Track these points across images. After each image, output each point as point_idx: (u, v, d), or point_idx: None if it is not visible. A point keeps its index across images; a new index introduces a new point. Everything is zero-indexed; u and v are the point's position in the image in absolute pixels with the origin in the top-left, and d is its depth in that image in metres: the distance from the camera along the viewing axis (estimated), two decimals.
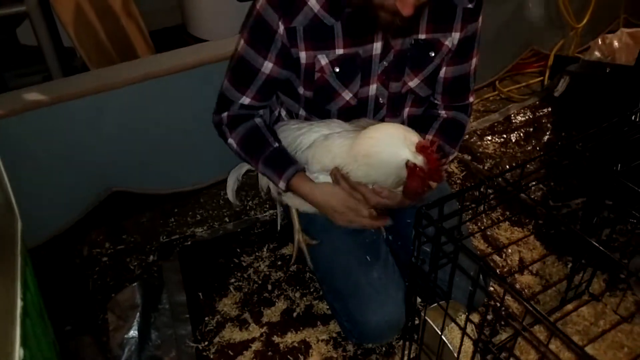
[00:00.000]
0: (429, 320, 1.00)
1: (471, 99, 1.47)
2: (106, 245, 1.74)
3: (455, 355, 0.94)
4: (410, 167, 1.15)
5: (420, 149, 1.14)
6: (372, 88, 1.33)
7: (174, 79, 1.67)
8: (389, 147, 1.16)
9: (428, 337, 1.02)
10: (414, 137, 1.15)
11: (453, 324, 0.96)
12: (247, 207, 1.87)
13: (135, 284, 1.53)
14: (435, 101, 1.45)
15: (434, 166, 1.14)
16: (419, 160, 1.15)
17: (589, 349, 1.40)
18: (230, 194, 1.59)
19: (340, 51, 1.25)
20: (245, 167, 1.53)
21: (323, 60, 1.25)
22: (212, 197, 1.92)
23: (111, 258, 1.70)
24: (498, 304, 0.76)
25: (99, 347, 1.35)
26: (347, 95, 1.32)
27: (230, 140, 1.37)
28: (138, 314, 1.46)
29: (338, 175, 1.26)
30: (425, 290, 0.96)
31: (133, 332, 1.43)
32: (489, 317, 0.78)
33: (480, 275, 0.80)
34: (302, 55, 1.25)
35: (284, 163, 1.32)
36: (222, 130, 1.39)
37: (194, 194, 1.92)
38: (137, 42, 2.30)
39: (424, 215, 0.85)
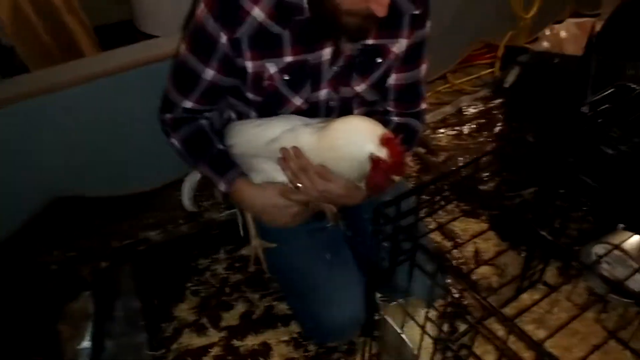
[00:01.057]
0: (388, 318, 0.99)
1: (423, 106, 1.46)
2: (55, 253, 1.66)
3: (415, 352, 0.93)
4: (374, 160, 1.14)
5: (384, 141, 1.13)
6: (323, 93, 1.31)
7: (122, 77, 1.61)
8: (354, 140, 1.14)
9: (388, 335, 1.02)
10: (379, 130, 1.14)
11: (412, 321, 0.96)
12: (202, 209, 1.82)
13: (88, 292, 1.47)
14: (388, 108, 1.44)
15: (398, 159, 1.14)
16: (382, 153, 1.14)
17: (542, 335, 1.43)
18: (186, 202, 1.54)
19: (289, 59, 1.22)
20: (199, 174, 1.48)
21: (272, 68, 1.22)
22: (165, 199, 1.86)
23: (61, 266, 1.63)
24: (455, 301, 0.75)
25: None
26: (297, 101, 1.29)
27: (173, 140, 1.34)
28: (91, 323, 1.40)
29: (290, 152, 1.23)
30: (385, 288, 0.96)
31: (86, 343, 1.37)
32: (447, 312, 0.78)
33: (439, 272, 0.80)
34: (249, 64, 1.21)
35: (227, 165, 1.30)
36: (165, 130, 1.36)
37: (147, 197, 1.86)
38: (81, 40, 2.21)
39: (381, 214, 0.84)
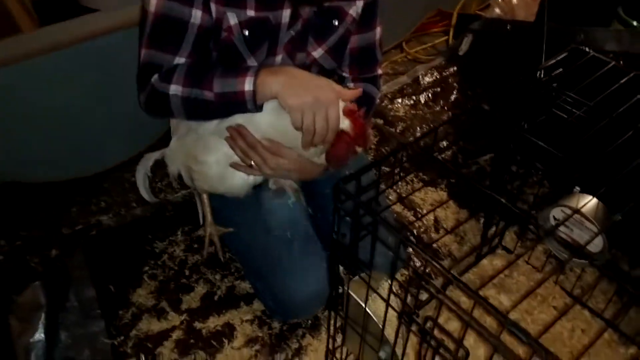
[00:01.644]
0: (352, 293, 0.98)
1: (379, 71, 1.45)
2: (1, 243, 1.57)
3: (381, 326, 0.92)
4: (336, 133, 1.12)
5: (347, 112, 1.11)
6: (278, 58, 1.26)
7: (62, 55, 1.52)
8: None
9: (352, 310, 1.00)
10: (340, 103, 1.11)
11: (376, 295, 0.95)
12: (156, 190, 1.75)
13: (37, 282, 1.40)
14: (344, 74, 1.41)
15: (361, 131, 1.12)
16: (345, 124, 1.11)
17: (504, 300, 1.46)
18: (143, 191, 1.45)
19: (251, 13, 1.16)
20: (153, 158, 1.41)
21: (232, 19, 1.15)
22: (116, 181, 1.78)
23: (8, 257, 1.54)
24: (417, 271, 0.74)
25: None
26: (252, 64, 1.24)
27: (173, 89, 1.14)
28: (43, 314, 1.34)
29: (235, 133, 1.19)
30: (347, 263, 0.94)
31: (39, 335, 1.31)
32: (410, 284, 0.77)
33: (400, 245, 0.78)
34: (213, 8, 1.14)
35: (242, 68, 1.15)
36: (158, 93, 1.17)
37: (96, 180, 1.77)
38: (17, 14, 2.07)
39: (341, 190, 0.81)
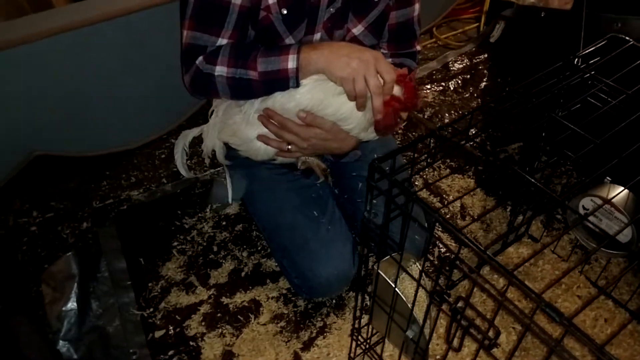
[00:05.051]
0: (381, 273, 0.99)
1: (418, 47, 1.45)
2: (34, 214, 1.62)
3: (409, 306, 0.94)
4: (386, 99, 1.13)
5: (399, 79, 1.12)
6: (317, 36, 1.27)
7: (96, 29, 1.54)
8: None
9: (381, 290, 1.02)
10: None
11: (404, 275, 0.96)
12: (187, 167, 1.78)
13: (70, 253, 1.44)
14: (382, 50, 1.42)
15: (412, 95, 1.13)
16: (396, 90, 1.12)
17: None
18: (181, 167, 1.47)
19: None
20: (191, 135, 1.42)
21: None
22: (146, 157, 1.81)
23: (40, 227, 1.59)
24: (452, 255, 0.75)
25: (35, 326, 1.27)
26: (289, 42, 1.25)
27: (219, 70, 1.16)
28: (75, 284, 1.38)
29: (264, 119, 1.21)
30: (378, 244, 0.95)
31: (72, 304, 1.36)
32: (443, 264, 0.78)
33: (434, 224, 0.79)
34: None
35: (284, 46, 1.16)
36: (204, 75, 1.18)
37: (127, 155, 1.81)
38: None
39: (376, 169, 0.82)
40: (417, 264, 0.99)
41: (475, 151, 1.88)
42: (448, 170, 1.82)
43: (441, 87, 2.19)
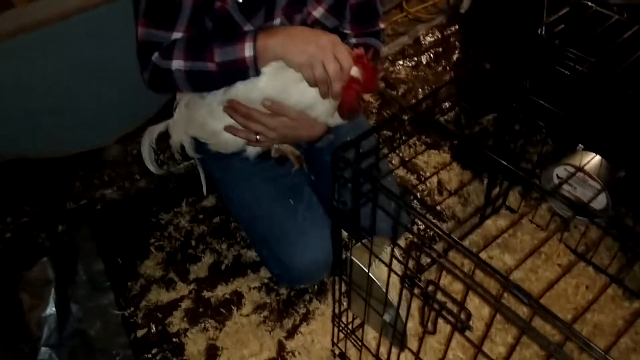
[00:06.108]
0: (354, 259, 0.98)
1: (382, 25, 1.42)
2: (7, 220, 1.59)
3: (384, 290, 0.93)
4: (345, 82, 1.11)
5: (354, 58, 1.10)
6: (276, 22, 1.24)
7: (57, 28, 1.49)
8: None
9: (356, 275, 1.01)
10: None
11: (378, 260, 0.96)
12: (159, 162, 1.75)
13: (45, 258, 1.42)
14: (345, 31, 1.39)
15: (371, 75, 1.11)
16: (354, 71, 1.10)
17: (508, 259, 1.47)
18: (149, 164, 1.44)
19: None
20: (157, 130, 1.40)
21: None
22: (118, 154, 1.77)
23: (15, 233, 1.56)
24: (417, 237, 0.74)
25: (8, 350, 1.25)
26: (249, 30, 1.22)
27: (175, 64, 1.13)
28: (53, 289, 1.36)
29: (229, 110, 1.19)
30: (349, 230, 0.94)
31: (50, 309, 1.34)
32: (411, 249, 0.77)
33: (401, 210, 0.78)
34: None
35: (240, 35, 1.12)
36: (161, 70, 1.16)
37: (98, 153, 1.77)
38: None
39: (340, 158, 0.81)
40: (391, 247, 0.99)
41: (449, 126, 1.88)
42: (424, 146, 1.81)
43: (414, 63, 2.17)
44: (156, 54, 1.15)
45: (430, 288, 0.78)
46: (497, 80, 1.06)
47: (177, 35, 1.15)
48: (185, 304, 1.40)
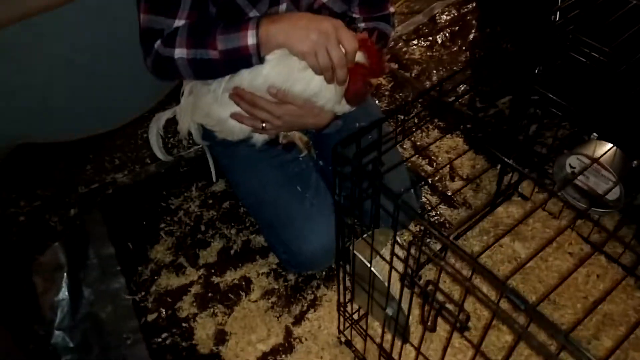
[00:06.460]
0: (357, 253, 0.98)
1: (391, 9, 1.39)
2: (21, 204, 1.61)
3: (386, 284, 0.93)
4: (350, 67, 1.09)
5: (359, 43, 1.07)
6: (282, 7, 1.22)
7: (67, 11, 1.48)
8: None
9: (359, 268, 1.01)
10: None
11: (383, 252, 0.95)
12: (169, 145, 1.76)
13: (57, 243, 1.44)
14: (354, 15, 1.36)
15: (376, 60, 1.09)
16: (358, 56, 1.08)
17: (518, 247, 1.45)
18: (157, 151, 1.43)
19: None
20: (164, 117, 1.39)
21: None
22: (128, 138, 1.79)
23: (29, 217, 1.59)
24: (416, 236, 0.73)
25: (13, 341, 1.28)
26: (254, 16, 1.20)
27: (178, 52, 1.12)
28: (65, 274, 1.39)
29: (235, 98, 1.18)
30: (350, 226, 0.93)
31: (63, 294, 1.37)
32: (411, 248, 0.76)
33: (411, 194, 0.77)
34: None
35: (243, 21, 1.10)
36: (164, 58, 1.15)
37: (109, 137, 1.78)
38: None
39: (339, 155, 0.80)
40: (397, 238, 0.98)
41: (464, 108, 1.84)
42: (436, 130, 1.78)
43: (428, 42, 2.12)
44: (158, 42, 1.14)
45: (430, 287, 0.77)
46: (511, 63, 1.03)
47: (179, 22, 1.13)
48: (195, 289, 1.41)
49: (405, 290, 0.87)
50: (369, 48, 1.07)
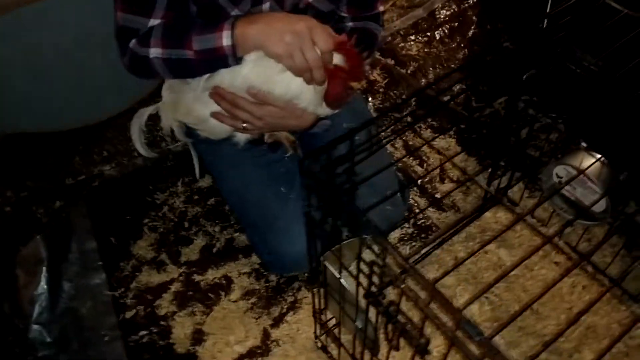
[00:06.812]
0: (327, 265, 0.96)
1: (380, 8, 1.35)
2: (7, 194, 1.60)
3: (355, 297, 0.91)
4: (329, 70, 1.06)
5: (338, 46, 1.05)
6: (265, 6, 1.18)
7: (58, 1, 1.46)
8: None
9: (330, 279, 1.00)
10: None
11: (353, 265, 0.93)
12: (157, 139, 1.73)
13: (39, 236, 1.43)
14: (342, 14, 1.32)
15: (355, 62, 1.06)
16: (337, 59, 1.06)
17: (503, 254, 1.43)
18: (140, 147, 1.40)
19: None
20: (146, 113, 1.37)
21: None
22: (118, 129, 1.77)
23: (15, 207, 1.58)
24: (378, 257, 0.71)
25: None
26: (236, 15, 1.17)
27: (153, 52, 1.10)
28: (44, 268, 1.38)
29: (215, 97, 1.16)
30: (321, 237, 0.92)
31: (42, 288, 1.36)
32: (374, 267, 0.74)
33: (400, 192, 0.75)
34: None
35: (221, 20, 1.08)
36: (139, 57, 1.13)
37: (99, 128, 1.76)
38: None
39: (305, 171, 0.78)
40: (374, 246, 0.96)
41: (459, 108, 1.80)
42: (429, 130, 1.75)
43: (426, 38, 2.08)
44: (134, 41, 1.11)
45: (392, 308, 0.76)
46: (507, 63, 1.00)
47: (154, 21, 1.11)
48: (175, 286, 1.40)
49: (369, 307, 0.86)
50: (347, 51, 1.04)
